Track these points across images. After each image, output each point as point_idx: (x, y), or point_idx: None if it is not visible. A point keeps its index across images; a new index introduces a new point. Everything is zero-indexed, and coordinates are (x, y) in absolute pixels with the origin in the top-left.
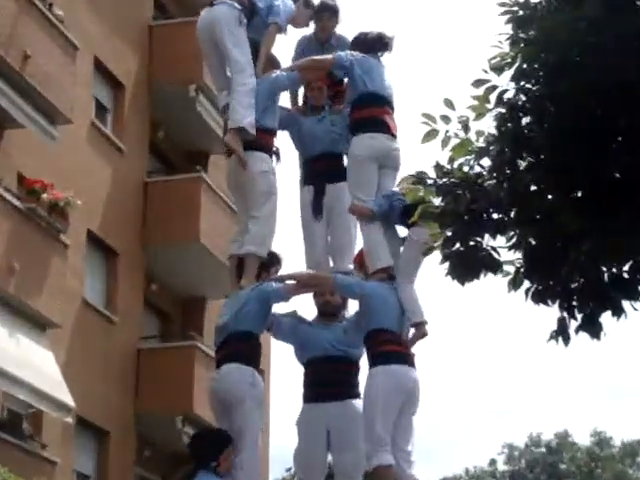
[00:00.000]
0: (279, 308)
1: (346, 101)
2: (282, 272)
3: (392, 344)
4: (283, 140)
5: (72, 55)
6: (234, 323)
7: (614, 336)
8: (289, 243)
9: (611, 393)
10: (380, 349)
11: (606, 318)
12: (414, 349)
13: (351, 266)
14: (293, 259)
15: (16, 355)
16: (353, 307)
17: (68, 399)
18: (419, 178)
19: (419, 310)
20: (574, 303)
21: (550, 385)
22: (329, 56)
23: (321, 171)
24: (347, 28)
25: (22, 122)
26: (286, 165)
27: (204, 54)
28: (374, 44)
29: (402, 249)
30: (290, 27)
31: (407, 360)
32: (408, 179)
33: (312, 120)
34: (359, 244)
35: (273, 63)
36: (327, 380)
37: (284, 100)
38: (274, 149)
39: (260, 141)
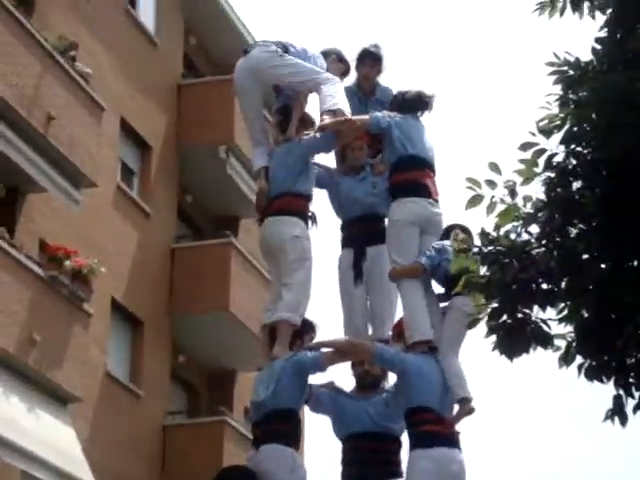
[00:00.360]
0: (314, 379)
1: (384, 162)
2: (317, 340)
3: (433, 424)
4: (322, 201)
5: (98, 116)
6: (272, 400)
7: None
8: (325, 310)
9: None
10: (420, 430)
11: None
12: (458, 427)
13: (390, 333)
14: (329, 327)
15: (35, 432)
16: (394, 376)
17: (90, 478)
18: (467, 231)
19: (464, 385)
20: (631, 380)
21: (609, 469)
22: (366, 116)
23: (361, 234)
24: (390, 80)
25: (45, 186)
26: (324, 228)
27: (241, 106)
28: (413, 104)
29: (445, 319)
30: None
31: (450, 441)
32: (459, 234)
33: (352, 180)
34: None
35: (307, 123)
36: (368, 459)
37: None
38: (310, 214)
39: (293, 206)
